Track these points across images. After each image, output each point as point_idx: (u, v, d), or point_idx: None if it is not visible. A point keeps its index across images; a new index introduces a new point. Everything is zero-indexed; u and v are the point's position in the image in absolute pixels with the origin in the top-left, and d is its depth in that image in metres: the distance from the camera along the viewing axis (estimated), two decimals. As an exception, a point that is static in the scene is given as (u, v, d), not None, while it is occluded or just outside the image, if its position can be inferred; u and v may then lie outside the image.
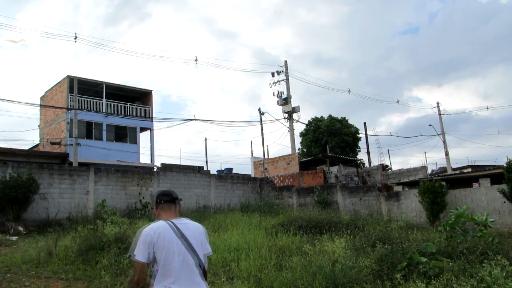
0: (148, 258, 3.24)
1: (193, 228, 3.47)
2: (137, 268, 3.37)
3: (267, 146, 35.69)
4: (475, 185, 20.02)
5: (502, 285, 5.66)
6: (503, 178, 17.04)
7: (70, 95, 29.83)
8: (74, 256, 10.45)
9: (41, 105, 34.05)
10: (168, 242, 3.25)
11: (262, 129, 32.65)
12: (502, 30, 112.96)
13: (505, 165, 17.59)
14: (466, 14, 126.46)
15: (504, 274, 5.89)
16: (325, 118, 51.23)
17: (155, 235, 3.25)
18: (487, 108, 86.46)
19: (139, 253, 3.23)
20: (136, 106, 35.40)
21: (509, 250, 8.67)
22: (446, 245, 9.21)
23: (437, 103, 42.65)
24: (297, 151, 36.76)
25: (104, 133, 32.39)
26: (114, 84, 34.28)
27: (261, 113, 33.14)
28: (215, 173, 28.65)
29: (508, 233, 16.02)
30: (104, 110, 32.52)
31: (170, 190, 3.72)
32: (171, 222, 3.39)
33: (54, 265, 9.86)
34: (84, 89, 31.72)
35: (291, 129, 33.95)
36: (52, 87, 34.06)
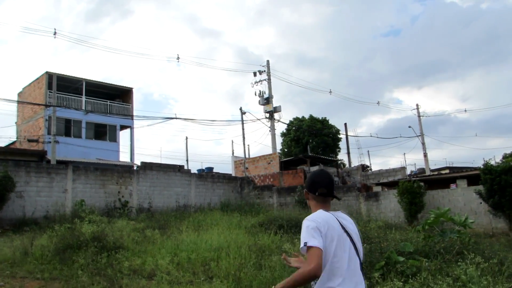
0: (324, 246, 2.71)
1: (352, 224, 3.05)
2: (313, 257, 2.63)
3: (248, 145, 35.70)
4: (453, 186, 20.34)
5: (476, 283, 5.75)
6: (480, 179, 17.33)
7: (49, 92, 29.41)
8: (51, 255, 10.31)
9: (18, 102, 33.49)
10: (337, 235, 2.82)
11: (243, 129, 32.66)
12: (481, 34, 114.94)
13: (481, 166, 17.91)
14: (447, 17, 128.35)
15: (479, 273, 5.99)
16: (306, 118, 51.41)
17: (323, 225, 2.79)
18: (465, 110, 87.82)
19: (314, 239, 2.68)
20: (117, 104, 35.08)
21: (484, 250, 8.84)
22: (424, 244, 9.33)
23: (417, 105, 43.25)
24: (278, 151, 36.86)
25: (84, 131, 32.01)
26: (94, 81, 33.92)
27: (243, 113, 33.14)
28: (196, 172, 28.52)
29: (484, 233, 16.33)
30: (83, 108, 32.14)
31: (332, 178, 3.24)
32: (332, 214, 2.97)
33: (30, 265, 9.71)
34: (63, 86, 31.31)
35: (272, 129, 34.02)
36: (30, 83, 33.54)
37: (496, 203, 16.60)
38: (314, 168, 31.87)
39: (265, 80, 35.46)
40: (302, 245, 2.71)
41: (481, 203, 17.89)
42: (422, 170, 43.30)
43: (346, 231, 2.88)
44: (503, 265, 7.42)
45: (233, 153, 42.16)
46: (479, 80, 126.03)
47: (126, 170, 23.18)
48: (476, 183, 18.03)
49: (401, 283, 6.25)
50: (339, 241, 2.79)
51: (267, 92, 34.93)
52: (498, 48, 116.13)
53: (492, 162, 17.93)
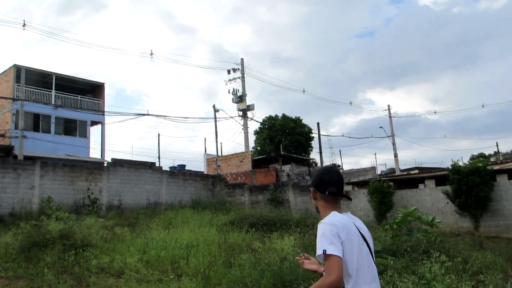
0: (345, 253, 2.51)
1: (365, 226, 2.81)
2: (333, 267, 2.41)
3: (221, 143, 35.80)
4: (421, 186, 20.71)
5: (440, 281, 5.89)
6: (448, 180, 17.72)
7: (17, 85, 28.75)
8: (16, 253, 10.12)
9: (-16, 95, 32.62)
10: (357, 241, 2.61)
11: (216, 126, 32.57)
12: (453, 38, 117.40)
13: (449, 167, 18.32)
14: (420, 20, 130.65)
15: (443, 271, 6.13)
16: (279, 117, 51.59)
17: (343, 230, 2.55)
18: (435, 112, 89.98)
19: (334, 247, 2.46)
20: (87, 99, 34.56)
21: (449, 248, 9.05)
22: (391, 243, 9.50)
23: (388, 106, 43.89)
24: (251, 149, 36.90)
25: (53, 126, 31.41)
26: (64, 75, 33.33)
27: (216, 110, 33.06)
28: (168, 169, 28.32)
29: (450, 232, 16.72)
30: (53, 102, 31.54)
31: (342, 176, 2.96)
32: (347, 216, 2.73)
33: (-6, 263, 9.49)
34: (32, 79, 30.59)
35: (245, 127, 34.05)
36: (-3, 76, 32.72)
37: (462, 203, 17.03)
38: (287, 167, 32.05)
39: (239, 78, 35.46)
40: (319, 252, 2.48)
41: (448, 203, 18.28)
42: (392, 170, 43.96)
43: (363, 236, 2.69)
44: (467, 264, 7.62)
45: (205, 150, 41.96)
46: (450, 83, 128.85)
47: (96, 167, 22.86)
48: (444, 184, 18.42)
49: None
50: (359, 247, 2.60)
51: (241, 90, 34.95)
52: (468, 52, 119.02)
53: (460, 163, 18.38)
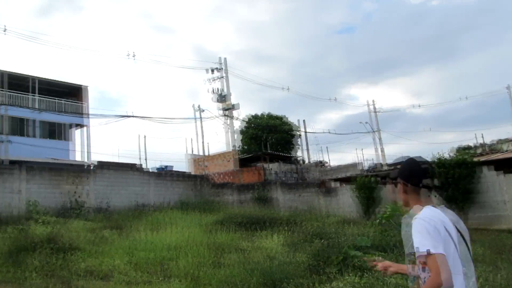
0: (447, 251, 2.39)
1: (461, 221, 2.66)
2: (440, 266, 2.30)
3: (208, 143, 35.67)
4: (408, 180, 20.82)
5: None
6: (434, 173, 17.81)
7: (0, 90, 28.40)
8: (3, 258, 9.97)
9: (-33, 100, 32.10)
10: (456, 237, 2.49)
11: (201, 126, 32.61)
12: (432, 31, 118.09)
13: (435, 160, 18.43)
14: (399, 14, 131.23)
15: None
16: (264, 116, 51.54)
17: (440, 226, 2.44)
18: (419, 106, 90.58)
19: (438, 244, 2.35)
20: (71, 102, 34.19)
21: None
22: (381, 239, 9.55)
23: (373, 101, 44.17)
24: (237, 149, 36.85)
25: (37, 130, 31.04)
26: (46, 79, 32.90)
27: (201, 110, 33.05)
28: (155, 171, 28.16)
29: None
30: (37, 106, 31.16)
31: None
32: (443, 211, 2.58)
33: (-20, 269, 9.34)
34: (14, 83, 30.18)
35: (231, 126, 34.07)
36: (-21, 81, 32.22)
37: (449, 196, 17.07)
38: (274, 166, 32.03)
39: (221, 77, 35.37)
40: (422, 250, 2.37)
41: (435, 196, 18.40)
42: (379, 165, 44.23)
43: (461, 234, 2.57)
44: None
45: (192, 151, 41.78)
46: (431, 76, 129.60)
47: (82, 170, 22.66)
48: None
49: (357, 278, 6.36)
50: (459, 243, 2.50)
51: (224, 89, 34.88)
52: (448, 45, 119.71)
53: (446, 155, 18.46)
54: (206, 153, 34.23)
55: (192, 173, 32.72)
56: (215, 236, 12.83)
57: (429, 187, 2.64)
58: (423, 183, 2.60)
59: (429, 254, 2.33)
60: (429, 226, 2.39)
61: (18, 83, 31.25)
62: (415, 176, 2.63)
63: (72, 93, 35.40)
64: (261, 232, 12.62)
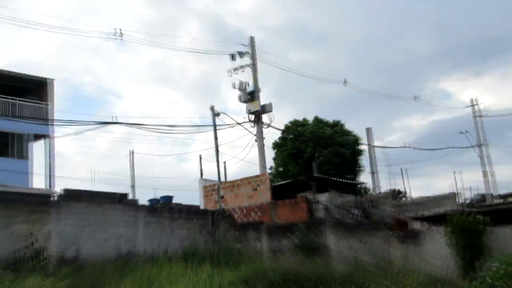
0: None
1: None
2: None
3: (225, 162, 35.27)
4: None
5: None
6: None
7: None
8: None
9: None
10: None
11: (216, 137, 32.40)
12: None
13: None
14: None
15: None
16: (310, 122, 51.34)
17: None
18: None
19: None
20: (28, 102, 34.71)
21: None
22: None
23: (476, 99, 43.48)
24: (268, 171, 36.71)
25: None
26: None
27: (216, 114, 32.85)
28: (146, 203, 28.26)
29: None
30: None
31: None
32: None
33: None
34: None
35: (260, 137, 33.89)
36: None
37: None
38: (323, 196, 31.61)
39: (248, 66, 35.36)
40: None
41: None
42: (484, 197, 43.44)
43: None
44: None
45: (201, 174, 41.75)
46: None
47: (41, 202, 22.84)
48: None
49: None
50: None
51: (251, 83, 34.81)
52: None
53: None
54: (223, 178, 34.11)
55: (203, 207, 32.65)
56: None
57: None
58: None
59: None
60: None
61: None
62: None
63: (31, 90, 35.95)
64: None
